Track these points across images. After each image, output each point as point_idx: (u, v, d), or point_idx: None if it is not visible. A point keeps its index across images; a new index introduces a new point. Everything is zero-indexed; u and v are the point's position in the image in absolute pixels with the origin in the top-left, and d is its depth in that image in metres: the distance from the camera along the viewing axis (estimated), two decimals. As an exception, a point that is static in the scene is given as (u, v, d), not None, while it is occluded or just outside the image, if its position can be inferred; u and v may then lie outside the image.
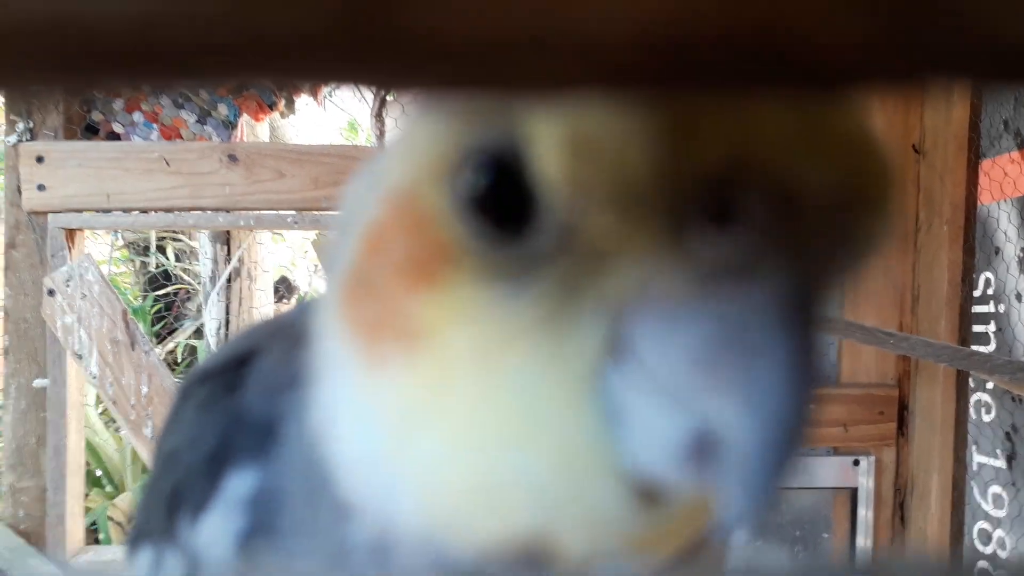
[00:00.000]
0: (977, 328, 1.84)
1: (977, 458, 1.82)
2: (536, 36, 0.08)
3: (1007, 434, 1.75)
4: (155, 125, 2.40)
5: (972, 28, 0.08)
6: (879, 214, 0.22)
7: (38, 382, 2.28)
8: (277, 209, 2.03)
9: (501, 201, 0.23)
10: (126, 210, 2.04)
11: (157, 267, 5.08)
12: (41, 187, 1.97)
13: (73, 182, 1.98)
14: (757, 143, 0.21)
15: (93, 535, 3.38)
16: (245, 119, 2.45)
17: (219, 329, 3.49)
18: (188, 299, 5.16)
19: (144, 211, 2.05)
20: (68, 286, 2.14)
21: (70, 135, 2.12)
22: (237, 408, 0.35)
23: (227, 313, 3.48)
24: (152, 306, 4.95)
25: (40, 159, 1.97)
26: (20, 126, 2.12)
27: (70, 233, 2.13)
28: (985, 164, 1.80)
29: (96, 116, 2.31)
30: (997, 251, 1.78)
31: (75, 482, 2.25)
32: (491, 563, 0.26)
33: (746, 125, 0.21)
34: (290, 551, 0.31)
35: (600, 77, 0.08)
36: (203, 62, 0.09)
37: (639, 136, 0.21)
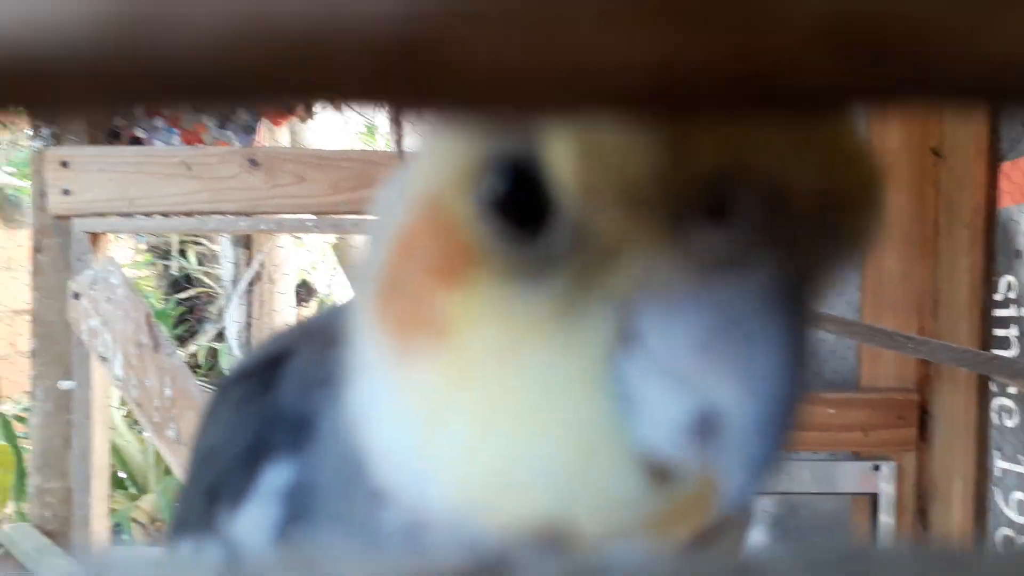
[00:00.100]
0: (998, 332, 1.83)
1: (999, 464, 1.81)
2: (555, 70, 0.09)
3: (1030, 439, 1.73)
4: (176, 130, 2.43)
5: (939, 53, 0.09)
6: (865, 213, 0.24)
7: (64, 384, 2.32)
8: (297, 213, 2.06)
9: (519, 205, 0.26)
10: (149, 214, 2.07)
11: (179, 271, 5.14)
12: (66, 191, 2.01)
13: (97, 186, 2.01)
14: (750, 149, 0.23)
15: (117, 536, 3.42)
16: (265, 124, 2.48)
17: (240, 332, 3.52)
18: (209, 302, 5.21)
19: (166, 215, 2.08)
20: (93, 289, 2.17)
21: (93, 140, 2.16)
22: (273, 405, 0.37)
23: (248, 316, 3.52)
24: (174, 309, 5.00)
25: (65, 164, 2.01)
26: (45, 132, 2.16)
27: (94, 237, 2.16)
28: (1005, 167, 1.79)
29: (119, 121, 2.35)
30: (1018, 254, 1.77)
31: (100, 483, 2.28)
32: (516, 543, 0.28)
33: (739, 132, 0.23)
34: (326, 537, 0.33)
35: (607, 104, 0.09)
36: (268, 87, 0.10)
37: (642, 144, 0.23)
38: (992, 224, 1.81)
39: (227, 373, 0.43)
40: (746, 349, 0.23)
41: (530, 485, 0.27)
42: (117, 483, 3.70)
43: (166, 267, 5.24)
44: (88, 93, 0.10)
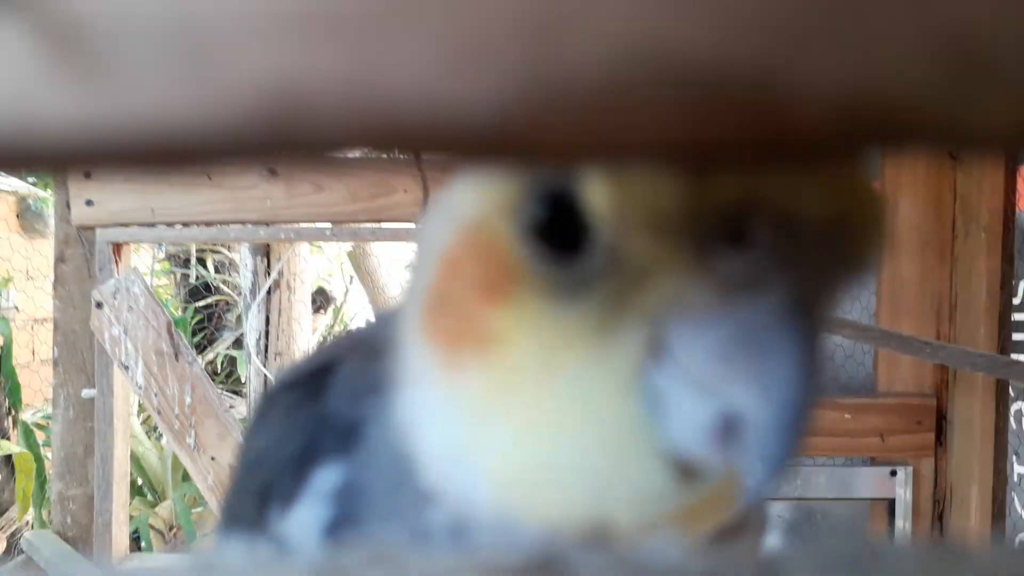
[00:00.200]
0: (1017, 336, 1.82)
1: (1018, 468, 1.80)
2: (609, 144, 0.11)
3: (1049, 444, 1.73)
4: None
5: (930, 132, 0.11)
6: (866, 237, 0.27)
7: (86, 392, 2.34)
8: (316, 222, 2.08)
9: (558, 231, 0.28)
10: (170, 224, 2.09)
11: (197, 279, 5.18)
12: (89, 202, 2.04)
13: (120, 197, 2.04)
14: (764, 184, 0.25)
15: (135, 543, 3.44)
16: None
17: (259, 340, 3.55)
18: (227, 310, 5.24)
19: (187, 225, 2.11)
20: (115, 299, 2.20)
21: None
22: (322, 412, 0.40)
23: (267, 324, 3.54)
24: (192, 317, 5.04)
25: (88, 175, 2.04)
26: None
27: (117, 247, 2.19)
28: (1023, 170, 1.78)
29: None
30: (1036, 258, 1.76)
31: (121, 490, 2.30)
32: (557, 538, 0.30)
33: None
34: (374, 535, 0.35)
35: (648, 162, 0.11)
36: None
37: (670, 180, 0.25)
38: (1010, 228, 1.81)
39: (274, 383, 0.45)
40: (763, 360, 0.26)
41: (570, 483, 0.30)
42: (135, 490, 3.73)
43: (184, 275, 5.28)
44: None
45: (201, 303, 5.18)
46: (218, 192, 2.02)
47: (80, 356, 2.43)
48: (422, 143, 0.12)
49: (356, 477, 0.38)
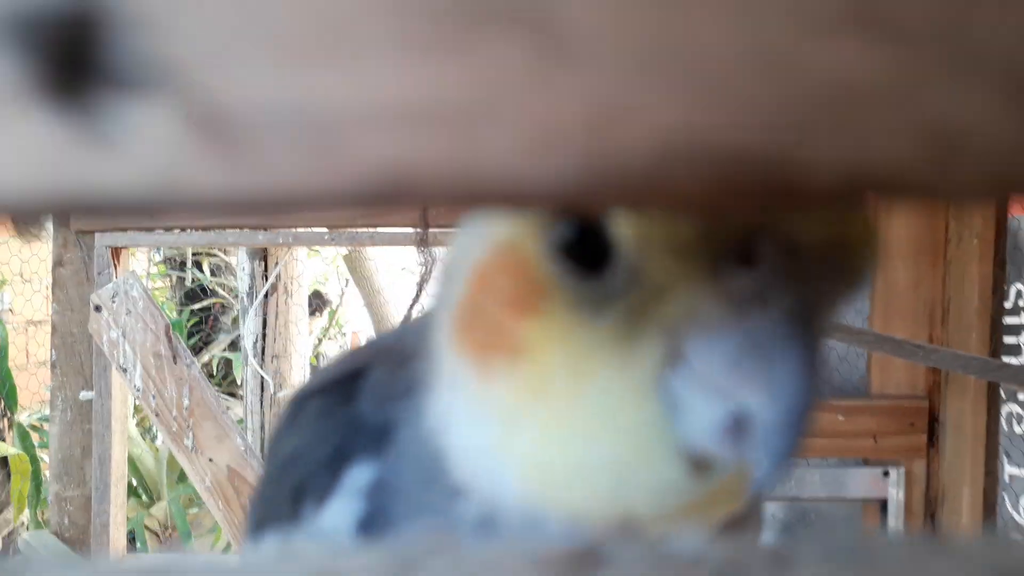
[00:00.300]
0: (1008, 340, 1.85)
1: (1008, 469, 1.83)
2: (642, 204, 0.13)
3: (1039, 446, 1.75)
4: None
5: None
6: (861, 257, 0.31)
7: (84, 395, 2.35)
8: (313, 226, 2.09)
9: (585, 251, 0.31)
10: (168, 228, 2.11)
11: (193, 282, 5.18)
12: (90, 207, 2.04)
13: (120, 202, 2.05)
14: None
15: (130, 544, 3.44)
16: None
17: (256, 342, 3.56)
18: (223, 313, 5.25)
19: (185, 229, 2.12)
20: (114, 302, 2.20)
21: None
22: (354, 415, 0.42)
23: (264, 327, 3.55)
24: (188, 320, 5.05)
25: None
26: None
27: (115, 251, 2.20)
28: (1013, 177, 1.81)
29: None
30: (1027, 263, 1.79)
31: (118, 491, 2.31)
32: (580, 530, 0.33)
33: None
34: (405, 529, 0.38)
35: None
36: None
37: None
38: (1002, 233, 1.84)
39: (303, 387, 0.48)
40: (770, 366, 0.29)
41: (594, 478, 0.33)
42: (130, 491, 3.72)
43: (180, 278, 5.28)
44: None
45: (197, 306, 5.18)
46: (218, 197, 2.03)
47: (78, 359, 2.44)
48: (502, 206, 0.14)
49: (388, 475, 0.40)
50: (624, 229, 0.30)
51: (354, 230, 2.10)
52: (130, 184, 0.13)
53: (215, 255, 5.25)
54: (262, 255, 3.53)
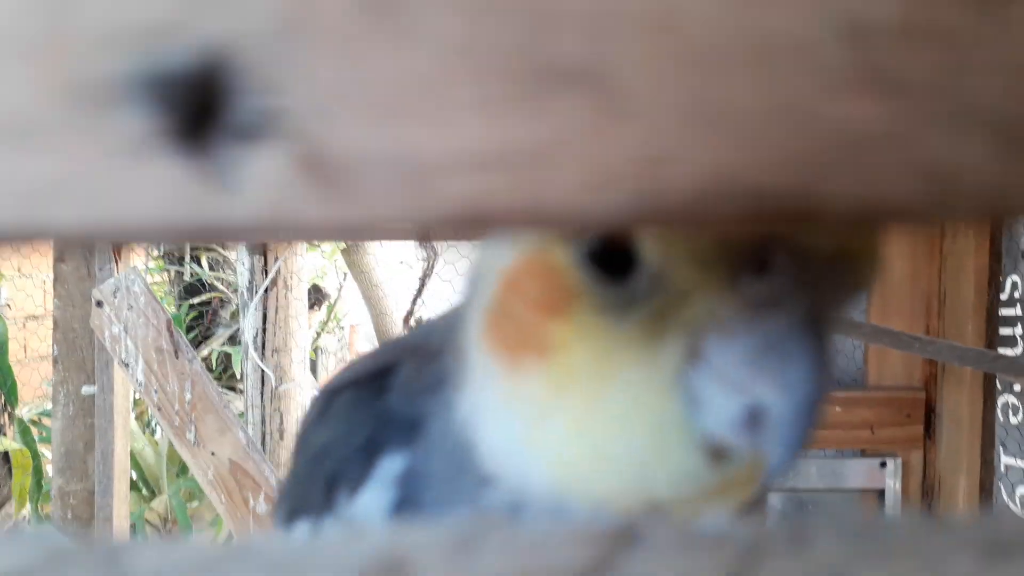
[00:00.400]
0: (1004, 331, 1.87)
1: (1004, 460, 1.85)
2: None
3: (1033, 436, 1.78)
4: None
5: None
6: (867, 265, 0.33)
7: (86, 389, 2.36)
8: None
9: (610, 259, 0.34)
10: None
11: (192, 276, 5.18)
12: (94, 203, 2.05)
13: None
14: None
15: (133, 537, 3.45)
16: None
17: (256, 336, 3.57)
18: (221, 308, 5.25)
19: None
20: (115, 297, 2.21)
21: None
22: (385, 407, 0.45)
23: (264, 321, 3.56)
24: (187, 314, 5.06)
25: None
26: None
27: (116, 246, 2.20)
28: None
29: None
30: None
31: (121, 485, 2.32)
32: (604, 515, 0.36)
33: None
34: (435, 515, 0.41)
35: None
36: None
37: None
38: (998, 225, 1.85)
39: (331, 382, 0.50)
40: (783, 363, 0.32)
41: (619, 467, 0.36)
42: (130, 485, 3.72)
43: (179, 273, 5.28)
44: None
45: (196, 300, 5.18)
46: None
47: (80, 354, 2.45)
48: (564, 233, 0.16)
49: (419, 465, 0.43)
50: (649, 242, 0.33)
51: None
52: (245, 218, 0.15)
53: (213, 250, 5.25)
54: (261, 250, 3.54)
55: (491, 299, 0.39)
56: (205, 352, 4.91)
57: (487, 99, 0.15)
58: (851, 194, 0.16)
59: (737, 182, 0.15)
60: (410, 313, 2.47)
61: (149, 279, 4.95)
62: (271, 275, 3.39)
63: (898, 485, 1.94)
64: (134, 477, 3.87)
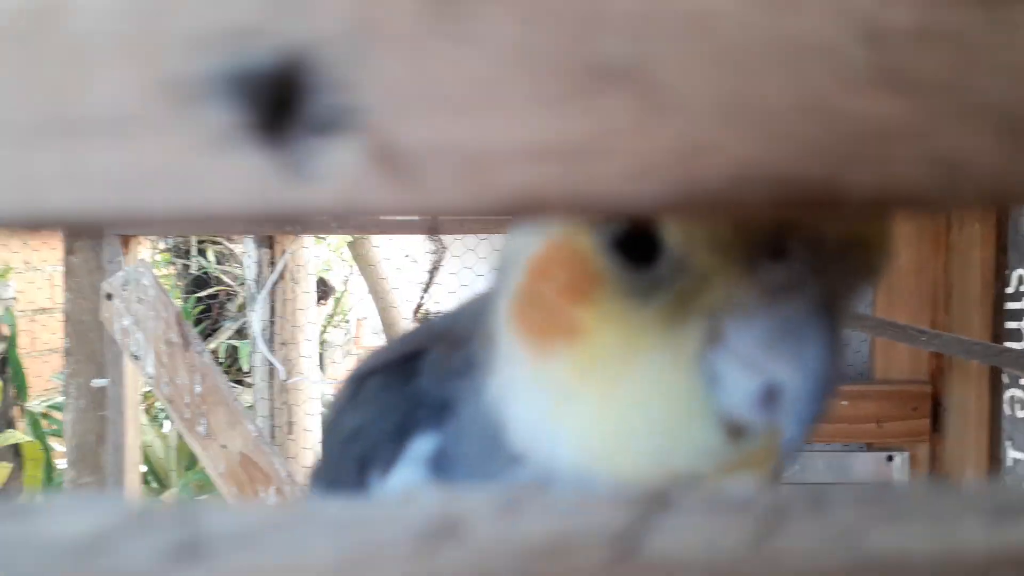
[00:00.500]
0: (1010, 325, 1.87)
1: (1012, 454, 1.86)
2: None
3: (1039, 429, 1.78)
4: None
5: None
6: (878, 252, 0.35)
7: (97, 382, 2.38)
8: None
9: (634, 243, 0.36)
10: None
11: (198, 269, 5.21)
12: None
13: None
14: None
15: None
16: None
17: (264, 330, 3.59)
18: (228, 301, 5.28)
19: (198, 218, 2.14)
20: (125, 290, 2.22)
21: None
22: (415, 390, 0.47)
23: (272, 314, 3.58)
24: (194, 308, 5.08)
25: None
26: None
27: (125, 239, 2.21)
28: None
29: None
30: (1029, 250, 1.81)
31: (132, 477, 2.34)
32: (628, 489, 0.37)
33: None
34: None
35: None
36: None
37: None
38: (1004, 218, 1.86)
39: (359, 367, 0.52)
40: (798, 345, 0.33)
41: (642, 443, 0.38)
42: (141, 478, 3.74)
43: (185, 266, 5.30)
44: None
45: (202, 293, 5.20)
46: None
47: (90, 346, 2.46)
48: (609, 219, 0.17)
49: (449, 445, 0.45)
50: (672, 228, 0.35)
51: (360, 216, 2.12)
52: (320, 206, 0.17)
53: (219, 243, 5.26)
54: (268, 242, 3.55)
55: (519, 286, 0.41)
56: (212, 345, 4.94)
57: (541, 96, 0.17)
58: (869, 182, 0.17)
59: (766, 171, 0.17)
60: (419, 306, 2.48)
61: (156, 273, 4.96)
62: (279, 268, 3.41)
63: (905, 479, 1.95)
64: (144, 470, 3.89)
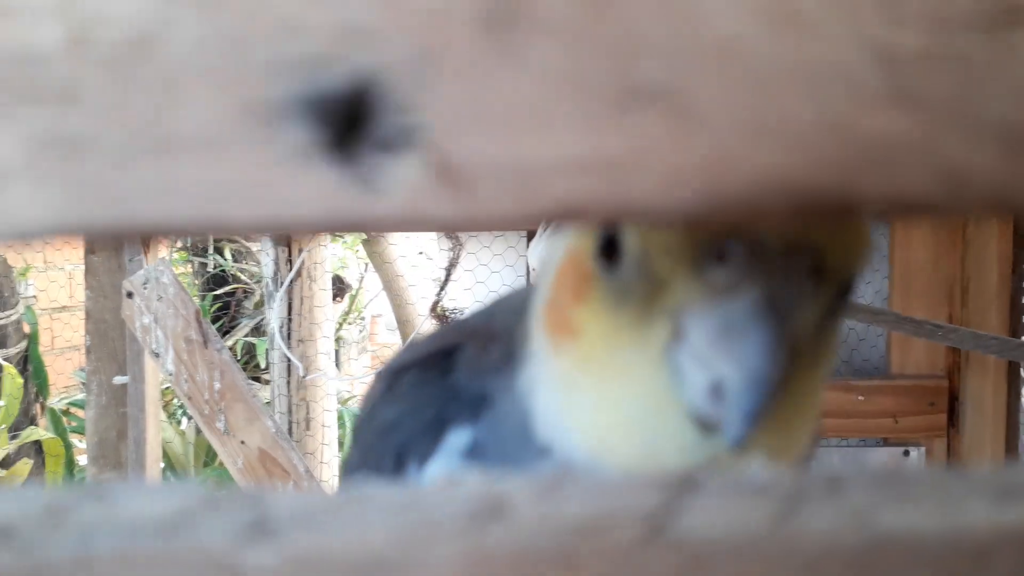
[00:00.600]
0: (1027, 319, 1.87)
1: (1028, 447, 1.86)
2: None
3: (1057, 423, 1.78)
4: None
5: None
6: (834, 256, 0.36)
7: (118, 379, 2.41)
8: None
9: (613, 248, 0.39)
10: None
11: (215, 267, 5.26)
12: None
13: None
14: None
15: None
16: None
17: (282, 327, 3.62)
18: (245, 299, 5.32)
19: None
20: (145, 288, 2.25)
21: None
22: (451, 385, 0.49)
23: (289, 312, 3.61)
24: (211, 306, 5.13)
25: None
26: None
27: (145, 239, 2.24)
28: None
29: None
30: (1046, 243, 1.81)
31: (153, 473, 2.37)
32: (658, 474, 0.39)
33: None
34: None
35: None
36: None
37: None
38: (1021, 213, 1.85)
39: (392, 363, 0.54)
40: (739, 342, 0.35)
41: (630, 437, 0.40)
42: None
43: (202, 264, 5.34)
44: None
45: (220, 291, 5.24)
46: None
47: (111, 344, 2.49)
48: (643, 225, 0.19)
49: (483, 438, 0.47)
50: (630, 234, 0.38)
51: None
52: (385, 215, 0.19)
53: (236, 241, 5.30)
54: (286, 241, 3.58)
55: (547, 289, 0.44)
56: (229, 343, 4.98)
57: (583, 115, 0.18)
58: (881, 191, 0.19)
59: (787, 182, 0.19)
60: (437, 302, 2.50)
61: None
62: (296, 266, 3.44)
63: (920, 472, 1.94)
64: (162, 466, 3.93)
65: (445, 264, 2.29)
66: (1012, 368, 1.87)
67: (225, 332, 5.13)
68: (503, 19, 0.18)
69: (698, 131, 0.19)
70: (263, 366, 4.54)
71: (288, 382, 3.63)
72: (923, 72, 0.19)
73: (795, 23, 0.18)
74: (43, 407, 4.26)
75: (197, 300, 4.97)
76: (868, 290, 1.96)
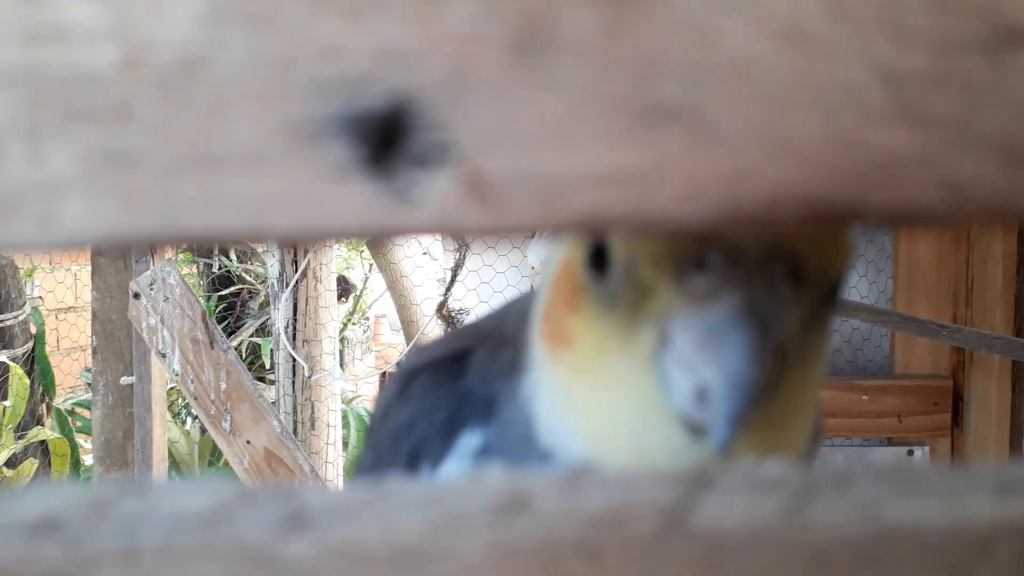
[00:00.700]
0: (1032, 319, 1.87)
1: (1032, 447, 1.86)
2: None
3: (1061, 423, 1.78)
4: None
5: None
6: (814, 262, 0.37)
7: (124, 379, 2.43)
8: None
9: (600, 261, 0.40)
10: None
11: (220, 268, 5.28)
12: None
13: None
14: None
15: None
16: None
17: (287, 327, 3.63)
18: (249, 299, 5.34)
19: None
20: (152, 289, 2.26)
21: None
22: (463, 388, 0.50)
23: (294, 312, 3.62)
24: (216, 306, 5.15)
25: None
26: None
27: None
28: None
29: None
30: (1050, 243, 1.81)
31: (160, 473, 2.38)
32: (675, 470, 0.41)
33: None
34: None
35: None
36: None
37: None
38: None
39: (404, 366, 0.55)
40: (721, 347, 0.36)
41: (623, 442, 0.41)
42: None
43: (208, 265, 5.36)
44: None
45: (225, 292, 5.26)
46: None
47: (118, 344, 2.51)
48: (659, 233, 0.20)
49: (493, 440, 0.48)
50: (615, 243, 0.39)
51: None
52: (419, 226, 0.20)
53: (241, 242, 5.29)
54: (291, 243, 3.59)
55: (545, 296, 0.45)
56: (234, 343, 4.99)
57: (606, 131, 0.19)
58: (888, 202, 0.20)
59: (799, 193, 0.20)
60: (443, 303, 2.51)
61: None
62: (302, 267, 3.45)
63: (925, 471, 1.95)
64: (167, 467, 3.94)
65: (450, 264, 2.30)
66: (1016, 368, 1.87)
67: (230, 332, 5.15)
68: (531, 42, 0.19)
69: (716, 146, 0.20)
70: (268, 366, 4.55)
71: (293, 382, 3.64)
72: (927, 91, 0.20)
73: (806, 45, 0.20)
74: (49, 407, 4.28)
75: (202, 301, 4.99)
76: (872, 290, 1.97)
